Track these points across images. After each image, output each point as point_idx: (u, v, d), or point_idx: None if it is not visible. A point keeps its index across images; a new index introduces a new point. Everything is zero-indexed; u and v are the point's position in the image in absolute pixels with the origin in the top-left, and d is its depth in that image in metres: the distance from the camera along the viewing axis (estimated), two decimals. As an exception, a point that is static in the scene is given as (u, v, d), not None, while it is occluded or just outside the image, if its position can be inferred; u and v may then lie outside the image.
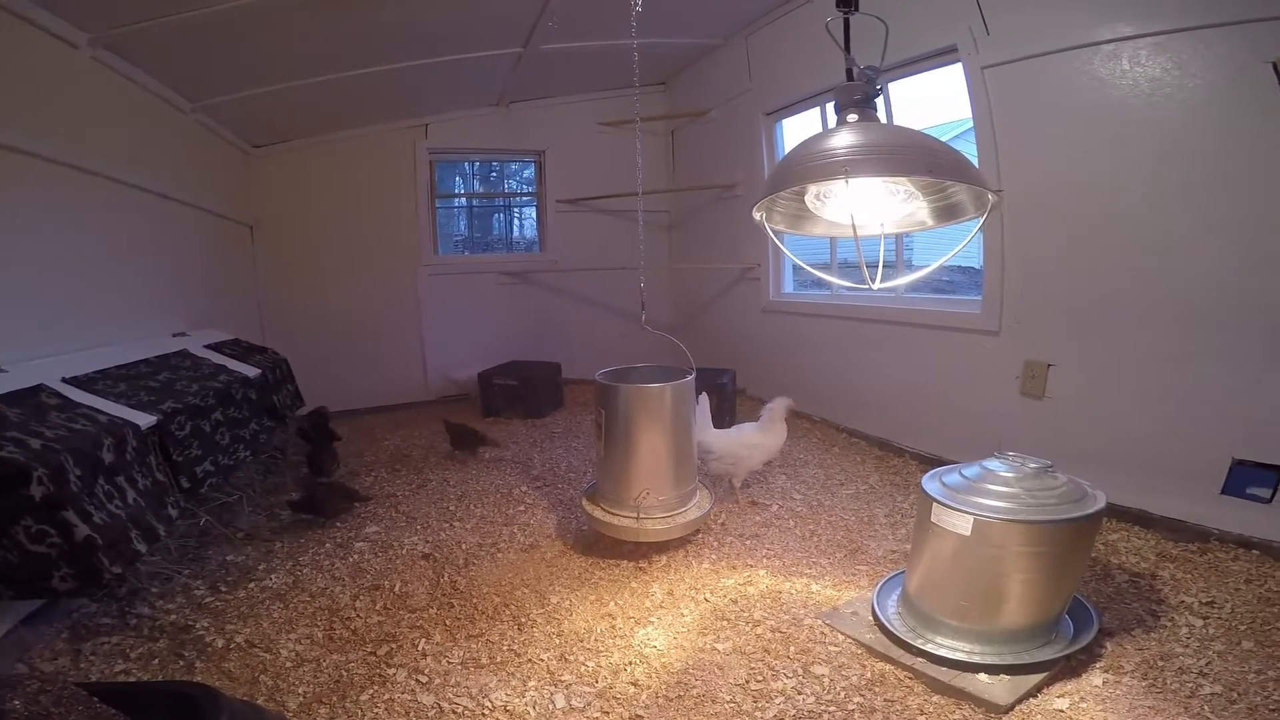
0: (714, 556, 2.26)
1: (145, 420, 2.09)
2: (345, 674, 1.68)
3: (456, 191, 5.91)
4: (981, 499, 1.57)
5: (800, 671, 1.60)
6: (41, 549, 1.56)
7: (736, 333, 4.64)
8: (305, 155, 4.50)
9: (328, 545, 2.47)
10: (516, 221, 5.99)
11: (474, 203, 6.03)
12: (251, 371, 3.08)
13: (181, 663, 1.75)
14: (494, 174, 6.08)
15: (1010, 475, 1.60)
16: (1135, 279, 2.28)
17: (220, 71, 3.27)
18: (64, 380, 2.10)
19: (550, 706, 1.52)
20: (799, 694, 1.52)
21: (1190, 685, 1.46)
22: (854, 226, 1.48)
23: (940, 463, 2.84)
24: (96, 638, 1.84)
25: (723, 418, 3.72)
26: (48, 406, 1.91)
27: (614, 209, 5.04)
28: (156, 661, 1.75)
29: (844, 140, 1.35)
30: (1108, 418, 2.39)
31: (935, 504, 1.61)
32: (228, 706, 1.27)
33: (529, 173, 5.43)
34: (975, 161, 2.67)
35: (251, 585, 2.17)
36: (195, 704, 1.26)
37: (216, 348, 3.21)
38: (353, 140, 4.58)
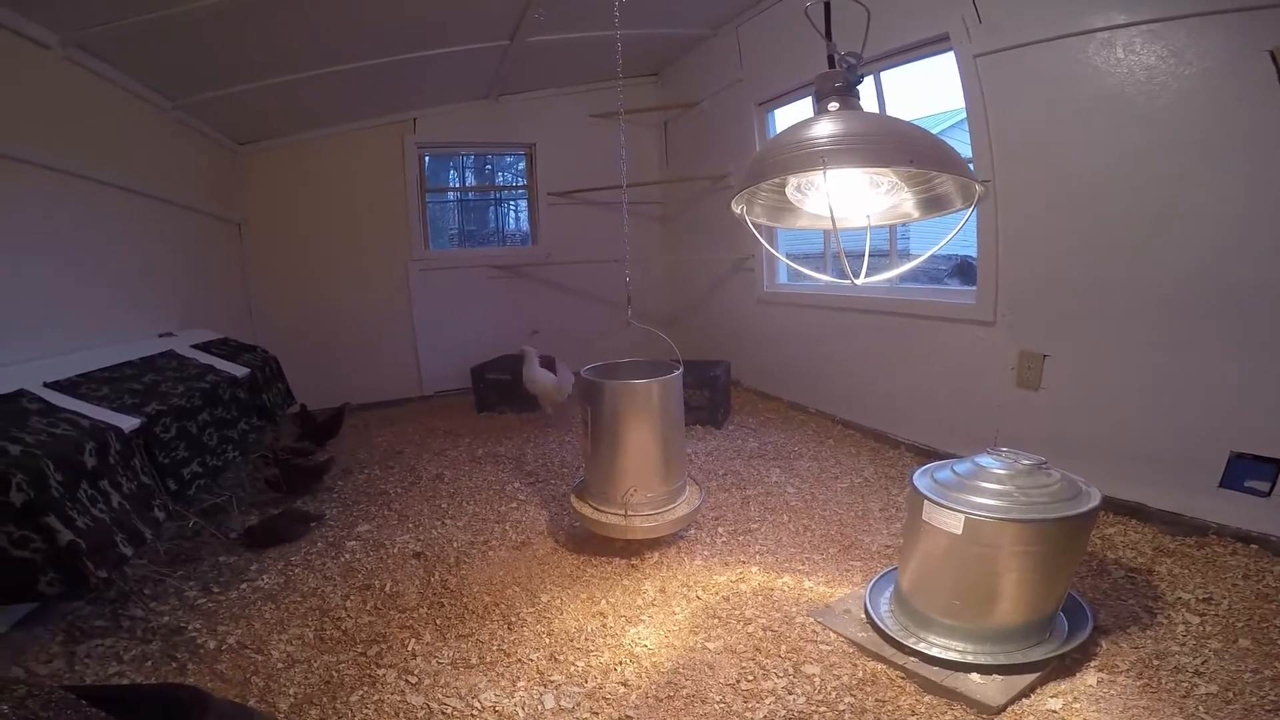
0: (706, 553, 2.25)
1: (129, 423, 2.07)
2: (335, 675, 1.67)
3: (451, 185, 5.86)
4: (973, 497, 1.55)
5: (791, 671, 1.59)
6: (25, 554, 1.54)
7: (731, 324, 4.62)
8: (293, 151, 4.45)
9: (319, 545, 2.45)
10: (512, 215, 5.94)
11: (469, 196, 5.98)
12: (240, 371, 3.05)
13: (174, 664, 1.74)
14: (488, 167, 6.02)
15: (1003, 472, 1.57)
16: (1131, 268, 2.25)
17: (199, 69, 3.22)
18: (46, 385, 2.08)
19: (539, 707, 1.51)
20: (789, 694, 1.51)
21: (1185, 685, 1.45)
22: (833, 219, 1.45)
23: (935, 455, 2.85)
24: (91, 640, 1.83)
25: (716, 409, 3.73)
26: (29, 411, 1.89)
27: (605, 201, 4.99)
28: (150, 663, 1.74)
29: (823, 130, 1.31)
30: (1104, 409, 2.38)
31: (926, 502, 1.60)
32: (216, 708, 1.26)
33: (523, 165, 5.38)
34: (968, 151, 2.65)
35: (243, 586, 2.16)
36: (184, 706, 1.25)
37: (204, 347, 3.18)
38: (340, 135, 4.53)
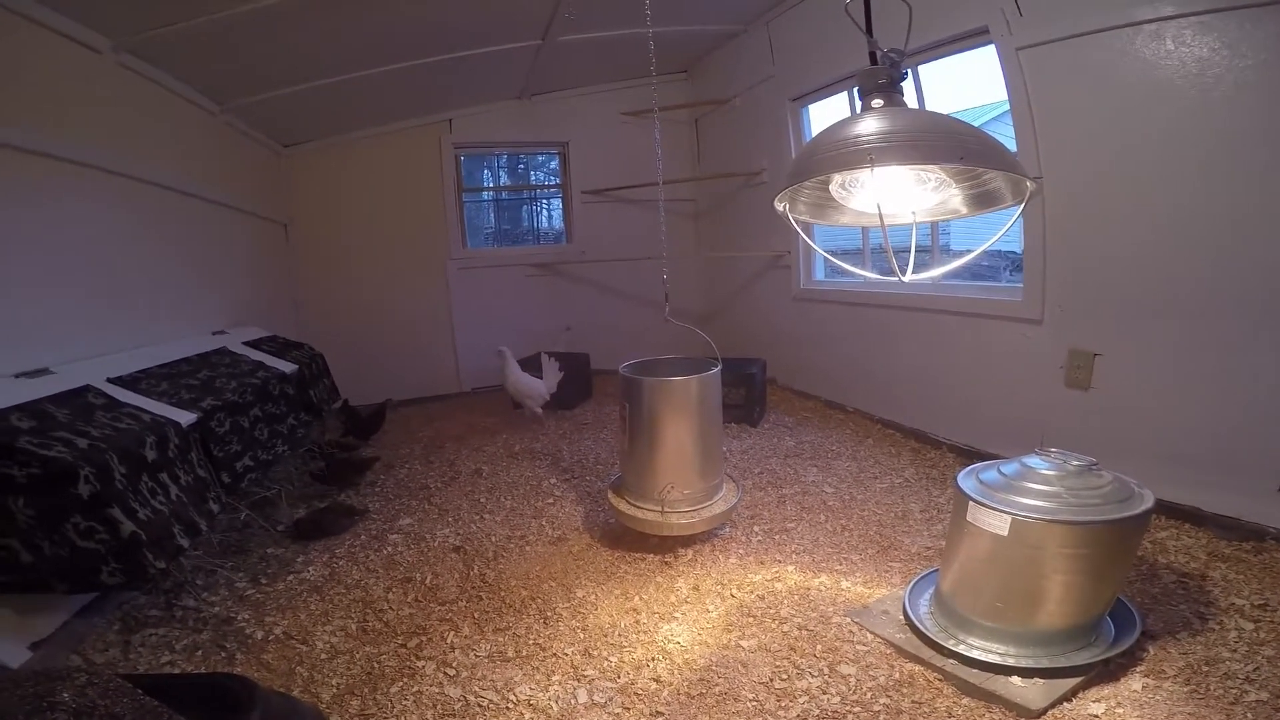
0: (742, 551, 2.24)
1: (186, 418, 2.16)
2: (377, 666, 1.72)
3: (486, 185, 5.96)
4: (1020, 498, 1.52)
5: (826, 671, 1.58)
6: (90, 545, 1.63)
7: (767, 322, 4.59)
8: (334, 153, 4.59)
9: (363, 537, 2.52)
10: (545, 213, 6.01)
11: (503, 195, 6.07)
12: (288, 367, 3.15)
13: (223, 654, 1.80)
14: (521, 166, 6.09)
15: (1052, 473, 1.54)
16: (1188, 266, 2.16)
17: (244, 73, 3.32)
18: (109, 380, 2.18)
19: (572, 701, 1.53)
20: (824, 694, 1.50)
21: (1235, 691, 1.40)
22: (881, 217, 1.43)
23: (979, 455, 2.78)
24: (145, 629, 1.91)
25: (752, 407, 3.71)
26: (94, 406, 1.99)
27: (639, 199, 5.01)
28: (200, 653, 1.81)
29: (869, 127, 1.29)
30: (1158, 410, 2.29)
31: (971, 502, 1.57)
32: (263, 699, 1.31)
33: (556, 164, 5.43)
34: (1013, 146, 2.58)
35: (290, 577, 2.23)
36: (233, 695, 1.30)
37: (255, 344, 3.30)
38: (380, 137, 4.65)
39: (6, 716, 0.99)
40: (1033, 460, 1.60)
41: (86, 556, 1.63)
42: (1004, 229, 1.49)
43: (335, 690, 1.62)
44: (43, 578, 1.63)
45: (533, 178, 6.19)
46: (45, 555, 1.60)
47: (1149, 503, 1.48)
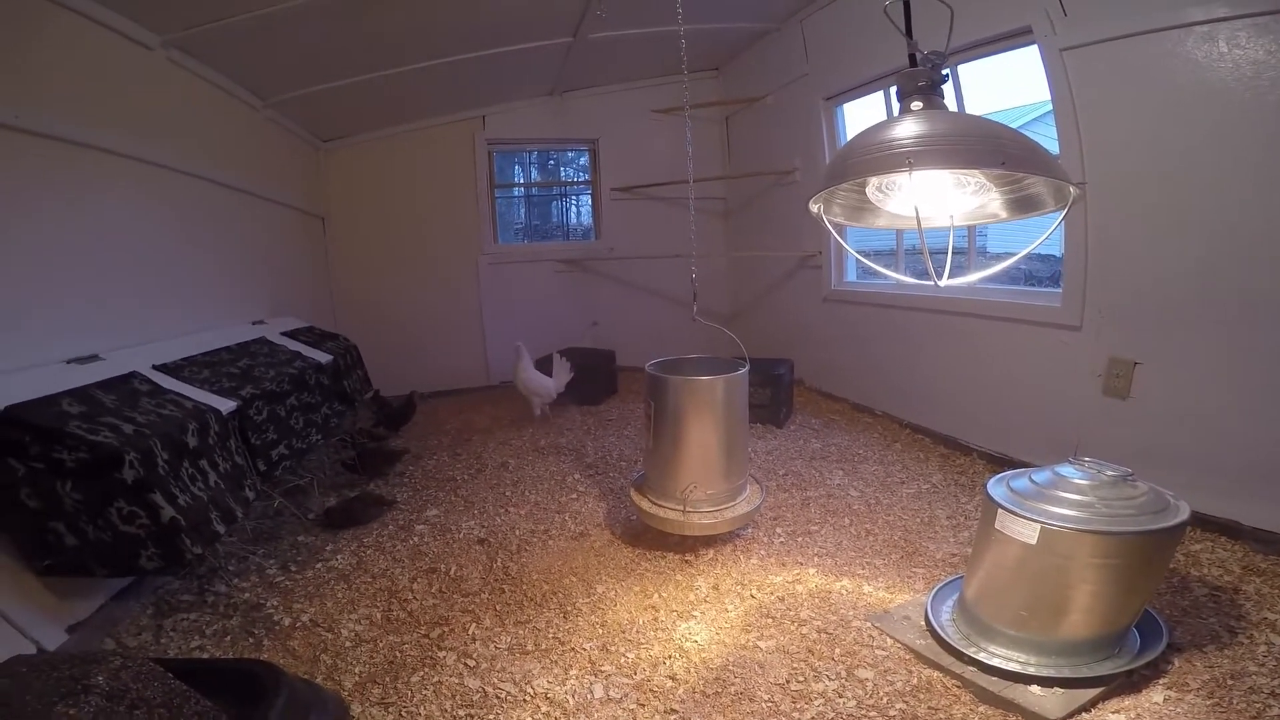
0: (763, 552, 2.24)
1: (226, 405, 2.22)
2: (399, 655, 1.75)
3: (516, 181, 6.01)
4: (1051, 506, 1.50)
5: (844, 674, 1.57)
6: (131, 529, 1.68)
7: (796, 322, 4.55)
8: (371, 148, 4.68)
9: (391, 527, 2.58)
10: (574, 209, 6.05)
11: (533, 191, 6.12)
12: (324, 357, 3.23)
13: (251, 640, 1.85)
14: (552, 162, 6.14)
15: (1085, 483, 1.51)
16: (1234, 274, 2.09)
17: (286, 69, 3.40)
18: (154, 367, 2.25)
19: (589, 696, 1.55)
20: (840, 697, 1.49)
21: (1258, 705, 1.36)
22: (918, 220, 1.41)
23: (1010, 463, 2.73)
24: (177, 614, 1.97)
25: (778, 408, 3.68)
26: (139, 393, 2.05)
27: (668, 196, 5.01)
28: (229, 639, 1.86)
29: (908, 130, 1.28)
30: (1198, 420, 2.21)
31: (1000, 510, 1.55)
32: (288, 685, 1.35)
33: (586, 160, 5.46)
34: (1056, 148, 2.52)
35: (319, 565, 2.28)
36: (259, 681, 1.34)
37: (292, 335, 3.39)
38: (415, 133, 4.73)
39: (44, 698, 1.04)
40: (1065, 469, 1.57)
41: (127, 541, 1.68)
42: (1045, 234, 1.45)
43: (358, 678, 1.66)
44: (84, 561, 1.69)
45: (563, 174, 6.23)
46: (89, 539, 1.67)
47: (1184, 515, 1.45)
